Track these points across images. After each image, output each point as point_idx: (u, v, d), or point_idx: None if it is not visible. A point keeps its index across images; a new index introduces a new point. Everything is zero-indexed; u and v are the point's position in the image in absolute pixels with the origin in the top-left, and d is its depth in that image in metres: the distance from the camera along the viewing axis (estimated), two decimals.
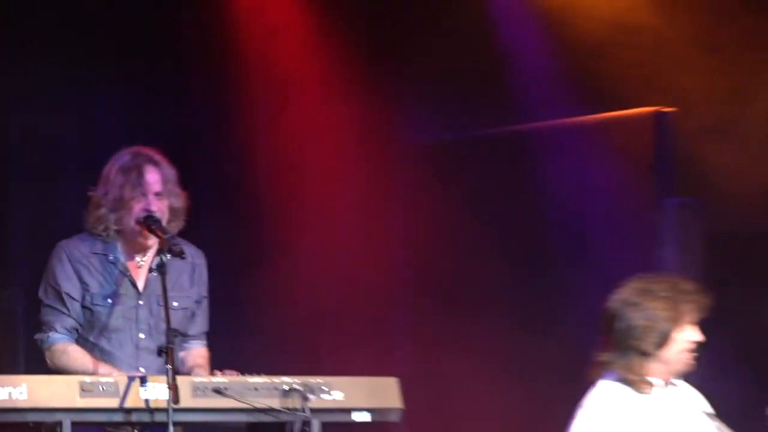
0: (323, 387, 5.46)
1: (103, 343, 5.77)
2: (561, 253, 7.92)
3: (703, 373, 5.18)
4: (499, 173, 8.04)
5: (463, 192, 8.09)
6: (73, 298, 5.73)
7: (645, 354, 5.00)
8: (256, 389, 5.35)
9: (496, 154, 8.08)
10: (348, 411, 5.55)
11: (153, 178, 5.77)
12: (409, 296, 8.36)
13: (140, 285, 5.79)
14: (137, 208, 5.71)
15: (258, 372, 5.48)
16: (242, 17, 7.79)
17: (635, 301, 5.04)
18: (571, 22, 7.77)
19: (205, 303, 5.98)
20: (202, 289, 5.97)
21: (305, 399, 5.34)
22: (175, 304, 5.72)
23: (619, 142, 7.70)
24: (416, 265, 8.29)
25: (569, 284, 7.74)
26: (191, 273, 5.94)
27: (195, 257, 5.95)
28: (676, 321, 5.00)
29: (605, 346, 5.08)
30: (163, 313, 5.47)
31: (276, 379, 5.38)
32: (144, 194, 5.71)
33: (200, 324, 5.97)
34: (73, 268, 5.80)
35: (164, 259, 5.54)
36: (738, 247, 7.73)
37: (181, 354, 5.84)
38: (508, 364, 7.74)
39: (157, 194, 5.75)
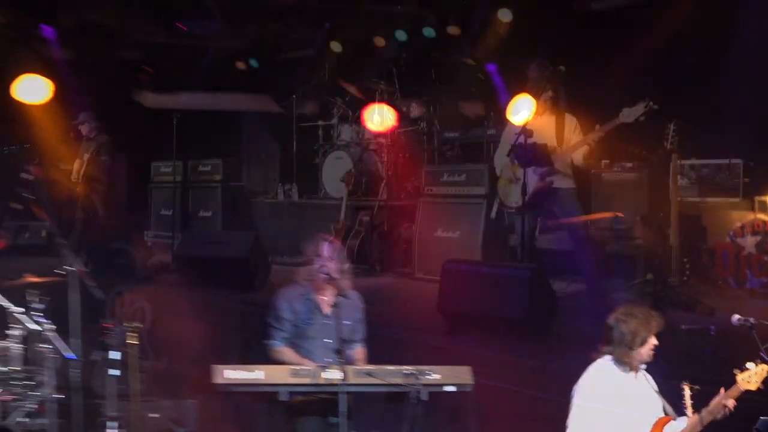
0: (428, 372, 6.71)
1: (304, 344, 7.21)
2: None
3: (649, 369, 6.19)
4: None
5: None
6: (287, 320, 7.18)
7: (631, 349, 6.06)
8: (390, 373, 6.68)
9: None
10: (442, 385, 6.73)
11: (326, 249, 7.27)
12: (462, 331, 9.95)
13: (326, 313, 7.29)
14: (316, 265, 7.21)
15: (388, 363, 6.74)
16: None
17: (625, 319, 6.11)
18: None
19: (362, 323, 7.42)
20: (358, 315, 7.42)
21: (418, 378, 6.64)
22: (347, 322, 7.15)
23: None
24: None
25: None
26: (355, 308, 7.40)
27: (358, 300, 7.44)
28: (649, 330, 6.08)
29: (605, 343, 6.16)
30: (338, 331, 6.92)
31: (402, 367, 6.72)
32: (320, 257, 7.22)
33: (359, 334, 7.39)
34: (288, 303, 7.26)
35: (336, 299, 7.14)
36: None
37: (350, 352, 7.15)
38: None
39: (329, 257, 7.20)
